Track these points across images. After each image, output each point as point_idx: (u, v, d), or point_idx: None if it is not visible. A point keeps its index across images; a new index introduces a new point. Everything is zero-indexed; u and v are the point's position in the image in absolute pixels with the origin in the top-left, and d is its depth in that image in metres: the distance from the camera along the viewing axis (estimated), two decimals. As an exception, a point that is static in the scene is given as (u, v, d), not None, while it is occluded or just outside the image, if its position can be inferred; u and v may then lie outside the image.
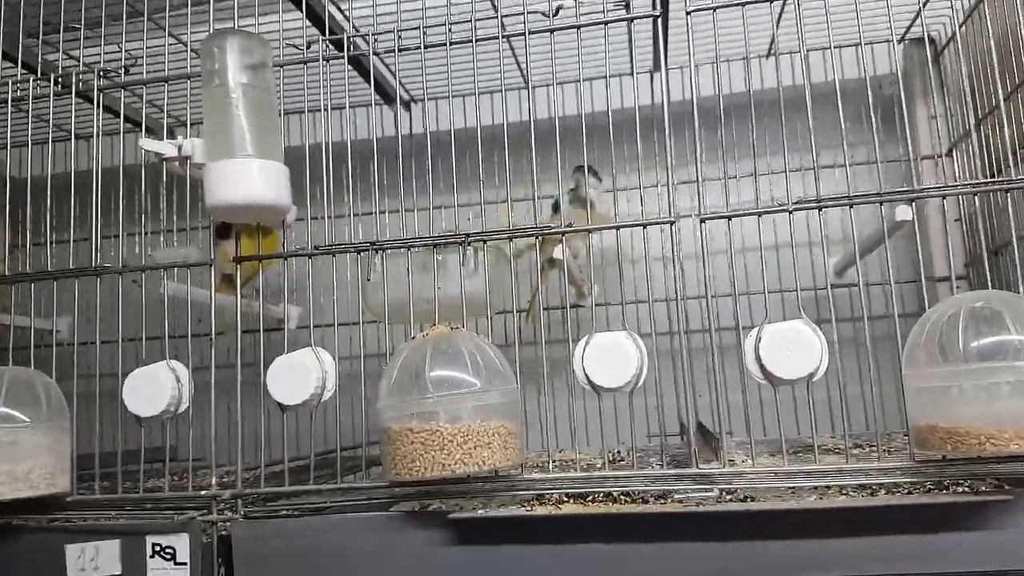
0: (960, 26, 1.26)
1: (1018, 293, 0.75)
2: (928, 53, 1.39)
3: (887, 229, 0.90)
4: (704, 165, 0.81)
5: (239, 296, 0.88)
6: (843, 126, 0.79)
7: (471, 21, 0.85)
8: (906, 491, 0.76)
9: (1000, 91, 0.91)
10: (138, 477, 0.88)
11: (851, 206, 0.77)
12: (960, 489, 0.74)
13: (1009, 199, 0.78)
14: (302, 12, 0.95)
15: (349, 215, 0.87)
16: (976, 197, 0.77)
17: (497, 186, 0.89)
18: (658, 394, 0.80)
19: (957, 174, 1.34)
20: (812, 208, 0.77)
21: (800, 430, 1.05)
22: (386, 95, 1.32)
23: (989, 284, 0.79)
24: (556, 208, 1.16)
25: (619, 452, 1.19)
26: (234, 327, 0.87)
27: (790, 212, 0.77)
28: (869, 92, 0.79)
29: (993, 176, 1.17)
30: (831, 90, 0.81)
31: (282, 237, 0.88)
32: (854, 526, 0.71)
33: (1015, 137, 1.09)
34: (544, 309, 0.95)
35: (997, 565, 0.71)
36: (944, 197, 0.77)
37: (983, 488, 0.73)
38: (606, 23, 0.83)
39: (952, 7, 1.24)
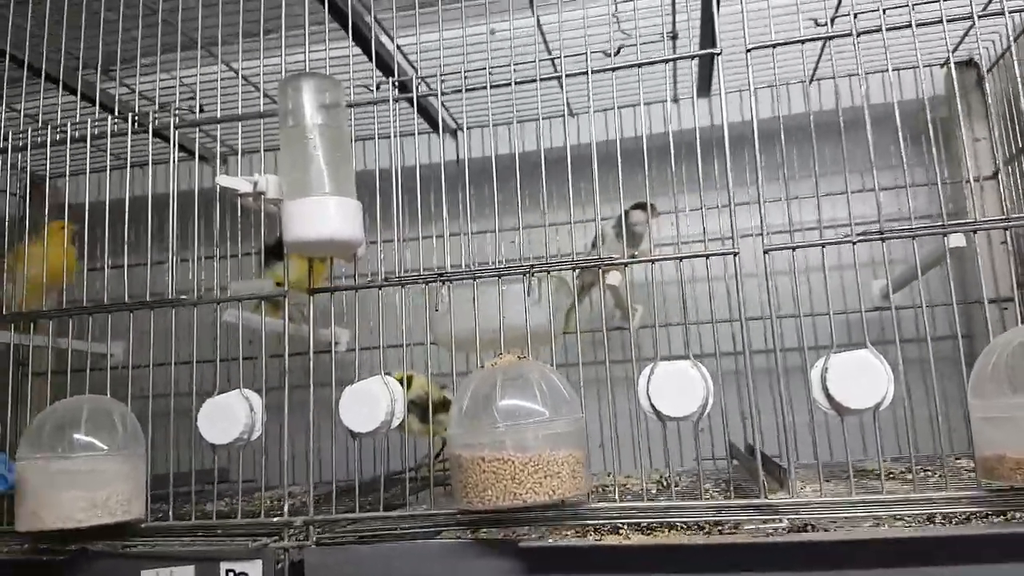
0: (1006, 50, 1.27)
1: None
2: (969, 77, 1.40)
3: (939, 256, 0.91)
4: (763, 186, 0.83)
5: (286, 320, 0.91)
6: (903, 149, 0.81)
7: (535, 62, 0.88)
8: (964, 518, 0.76)
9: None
10: (210, 499, 0.91)
11: (914, 238, 0.78)
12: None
13: None
14: (371, 57, 0.97)
15: (418, 239, 0.88)
16: None
17: (549, 210, 0.90)
18: (723, 417, 0.81)
19: (1003, 196, 1.34)
20: (875, 240, 0.78)
21: (858, 452, 1.05)
22: (433, 123, 1.34)
23: None
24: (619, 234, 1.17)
25: (669, 475, 1.19)
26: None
27: (854, 244, 0.79)
28: (927, 114, 0.80)
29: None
30: (877, 114, 0.82)
31: (354, 267, 0.90)
32: (923, 556, 0.71)
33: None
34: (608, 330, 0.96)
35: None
36: (1008, 230, 0.78)
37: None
38: (667, 60, 0.85)
39: (1005, 28, 1.24)
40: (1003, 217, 0.77)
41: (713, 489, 1.03)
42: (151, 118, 0.94)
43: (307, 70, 0.86)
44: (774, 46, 0.83)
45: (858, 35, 0.82)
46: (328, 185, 0.78)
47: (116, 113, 0.97)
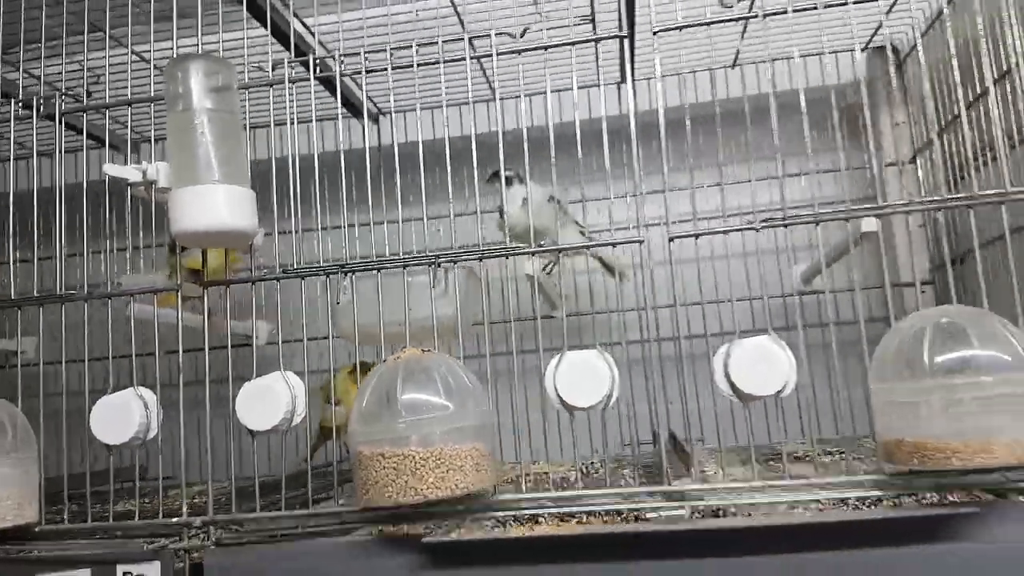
0: (923, 35, 1.28)
1: (982, 301, 0.77)
2: (892, 61, 1.42)
3: (854, 239, 0.92)
4: (672, 175, 0.82)
5: (206, 315, 0.87)
6: (807, 134, 0.80)
7: (439, 43, 0.85)
8: (874, 501, 0.77)
9: (961, 99, 0.92)
10: (107, 500, 0.87)
11: (816, 224, 0.78)
12: (927, 501, 0.75)
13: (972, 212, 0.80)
14: (267, 29, 0.93)
15: (317, 229, 0.86)
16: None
17: (466, 198, 0.88)
18: (631, 404, 0.80)
19: (921, 181, 1.36)
20: (778, 226, 0.78)
21: (770, 436, 1.06)
22: (353, 108, 1.31)
23: (953, 291, 0.80)
24: (502, 214, 1.15)
25: (593, 463, 1.19)
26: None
27: (757, 231, 0.78)
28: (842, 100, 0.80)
29: (956, 183, 1.19)
30: (795, 100, 0.82)
31: (250, 256, 0.87)
32: (826, 540, 0.72)
33: (976, 145, 1.11)
34: (516, 320, 0.95)
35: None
36: (909, 213, 0.78)
37: (951, 500, 0.74)
38: (573, 44, 0.83)
39: (915, 16, 1.26)
40: (904, 202, 0.78)
41: (632, 475, 1.02)
42: (35, 103, 0.89)
43: (199, 52, 0.83)
44: (680, 28, 0.81)
45: (764, 16, 0.81)
46: (217, 173, 0.74)
47: (2, 95, 0.91)
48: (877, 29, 1.30)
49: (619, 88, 1.38)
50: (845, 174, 1.01)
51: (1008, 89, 0.93)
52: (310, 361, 0.85)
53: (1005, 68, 0.91)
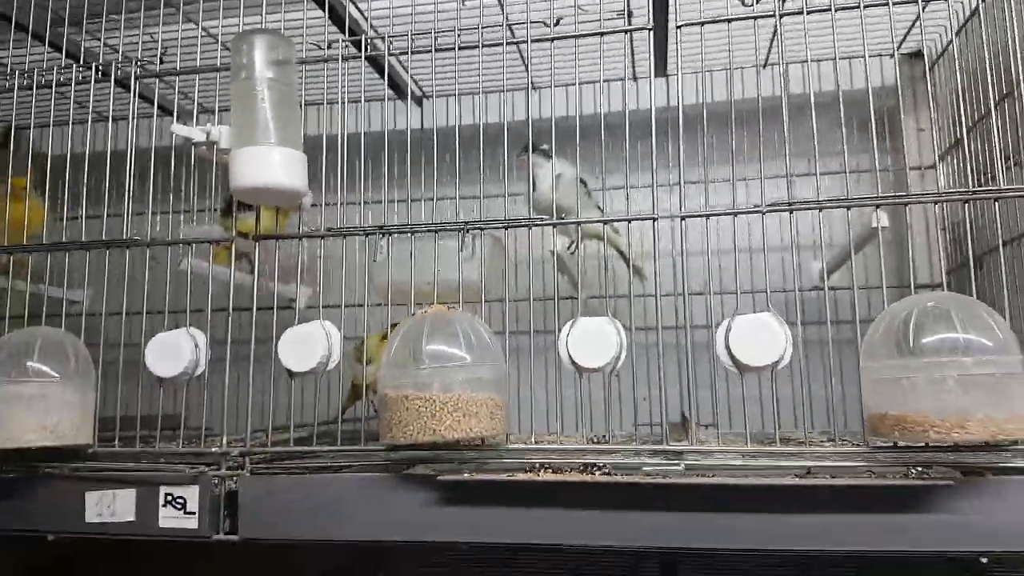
0: (950, 42, 1.32)
1: (994, 298, 0.81)
2: (921, 66, 1.45)
3: (865, 236, 0.97)
4: (711, 167, 0.88)
5: (256, 274, 0.96)
6: (815, 135, 0.86)
7: (479, 28, 0.92)
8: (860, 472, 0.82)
9: (984, 106, 0.96)
10: (155, 437, 0.96)
11: (820, 210, 0.84)
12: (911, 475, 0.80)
13: (996, 207, 0.84)
14: (324, 11, 1.02)
15: (360, 203, 0.94)
16: (959, 205, 0.83)
17: (500, 179, 0.95)
18: (649, 384, 0.86)
19: (943, 185, 1.39)
20: (784, 210, 0.84)
21: (778, 427, 1.11)
22: (400, 91, 1.39)
23: (969, 290, 0.84)
24: (534, 187, 1.19)
25: (604, 436, 1.25)
26: None
27: (763, 213, 0.84)
28: (871, 103, 0.85)
29: (979, 186, 1.22)
30: (824, 100, 0.87)
31: (298, 219, 0.95)
32: (808, 504, 0.78)
33: (997, 151, 1.14)
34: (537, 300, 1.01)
35: (942, 547, 0.77)
36: (907, 205, 0.84)
37: (930, 474, 0.79)
38: (602, 34, 0.90)
39: (949, 20, 1.30)
40: (904, 194, 0.83)
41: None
42: (114, 67, 0.98)
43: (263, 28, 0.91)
44: (702, 24, 0.88)
45: (780, 16, 0.86)
46: (274, 136, 0.83)
47: (81, 62, 1.01)
48: (907, 34, 1.34)
49: (623, 84, 1.44)
50: (869, 177, 1.05)
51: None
52: (345, 326, 0.93)
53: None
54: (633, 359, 0.86)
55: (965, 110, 1.26)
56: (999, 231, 0.84)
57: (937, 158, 1.25)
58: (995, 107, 0.89)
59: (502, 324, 0.90)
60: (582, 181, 1.11)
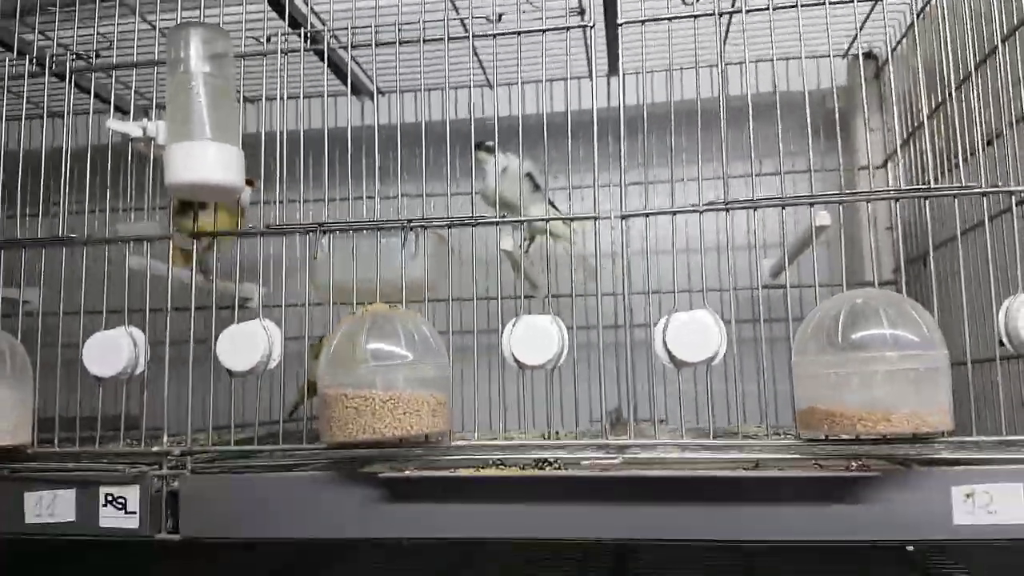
0: (895, 45, 1.35)
1: (931, 295, 0.83)
2: (868, 69, 1.48)
3: (810, 234, 0.98)
4: (639, 169, 0.89)
5: (194, 271, 0.95)
6: (751, 135, 0.87)
7: (420, 24, 0.92)
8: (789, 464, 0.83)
9: (928, 107, 0.98)
10: (95, 438, 0.94)
11: (754, 209, 0.85)
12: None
13: (928, 208, 0.85)
14: (265, 3, 1.01)
15: (300, 201, 0.93)
16: (903, 205, 0.85)
17: (445, 178, 0.95)
18: (589, 381, 0.87)
19: (891, 184, 1.42)
20: (720, 210, 0.85)
21: (729, 422, 1.13)
22: (353, 87, 1.38)
23: (912, 288, 0.86)
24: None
25: (558, 433, 1.27)
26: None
27: (700, 213, 0.85)
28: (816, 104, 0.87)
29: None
30: (772, 101, 0.88)
31: (238, 218, 0.94)
32: (741, 494, 0.79)
33: (944, 151, 1.17)
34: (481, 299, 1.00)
35: (869, 536, 0.79)
36: (840, 204, 0.85)
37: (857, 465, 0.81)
38: (544, 31, 0.90)
39: (887, 26, 1.32)
40: (834, 192, 0.85)
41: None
42: (49, 59, 0.96)
43: (200, 21, 0.90)
44: (643, 23, 0.88)
45: (720, 15, 0.88)
46: (209, 131, 0.82)
47: (15, 54, 0.99)
48: (855, 39, 1.36)
49: (566, 83, 1.44)
50: (818, 177, 1.07)
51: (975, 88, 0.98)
52: (291, 324, 0.93)
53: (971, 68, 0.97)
54: (575, 358, 0.87)
55: (912, 112, 1.30)
56: (958, 225, 0.85)
57: (898, 150, 1.25)
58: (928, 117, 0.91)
59: (446, 323, 0.91)
60: (528, 175, 1.11)
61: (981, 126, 0.89)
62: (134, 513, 0.88)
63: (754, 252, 0.88)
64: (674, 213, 0.86)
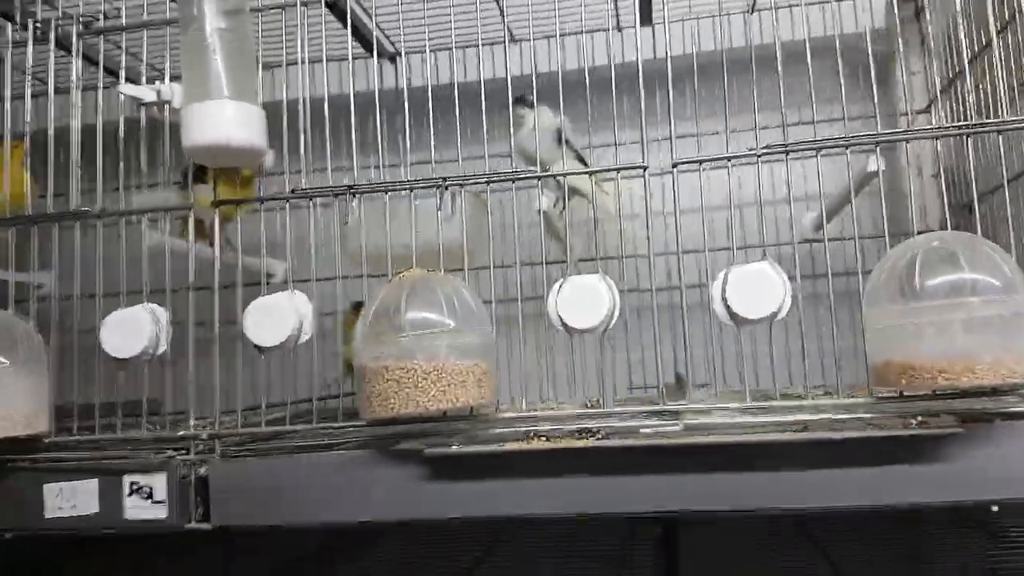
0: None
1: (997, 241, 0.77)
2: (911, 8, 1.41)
3: (859, 182, 0.92)
4: (688, 122, 0.84)
5: (218, 242, 0.89)
6: (811, 80, 0.81)
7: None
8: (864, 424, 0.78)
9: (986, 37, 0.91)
10: (115, 425, 0.89)
11: (817, 152, 0.79)
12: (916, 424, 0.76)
13: (1000, 141, 0.79)
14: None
15: (328, 168, 0.87)
16: (955, 148, 0.79)
17: (481, 140, 0.89)
18: (642, 346, 0.82)
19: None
20: (779, 152, 0.79)
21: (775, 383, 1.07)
22: (369, 46, 1.31)
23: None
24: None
25: (599, 402, 1.21)
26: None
27: (758, 156, 0.79)
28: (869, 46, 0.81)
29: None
30: (810, 47, 0.82)
31: (258, 183, 0.89)
32: (810, 459, 0.74)
33: (986, 90, 1.10)
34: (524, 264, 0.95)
35: (951, 496, 0.74)
36: (908, 141, 0.80)
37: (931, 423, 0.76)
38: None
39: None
40: (903, 130, 0.79)
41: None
42: (53, 25, 0.90)
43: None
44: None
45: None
46: (228, 90, 0.76)
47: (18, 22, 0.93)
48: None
49: (608, 35, 1.38)
50: (859, 122, 1.00)
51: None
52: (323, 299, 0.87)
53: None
54: (627, 321, 0.81)
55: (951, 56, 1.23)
56: (1004, 169, 0.79)
57: (939, 93, 1.19)
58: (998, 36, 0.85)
59: (489, 289, 0.85)
60: (561, 132, 1.05)
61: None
62: (162, 502, 0.83)
63: (811, 203, 0.82)
64: (730, 158, 0.80)
